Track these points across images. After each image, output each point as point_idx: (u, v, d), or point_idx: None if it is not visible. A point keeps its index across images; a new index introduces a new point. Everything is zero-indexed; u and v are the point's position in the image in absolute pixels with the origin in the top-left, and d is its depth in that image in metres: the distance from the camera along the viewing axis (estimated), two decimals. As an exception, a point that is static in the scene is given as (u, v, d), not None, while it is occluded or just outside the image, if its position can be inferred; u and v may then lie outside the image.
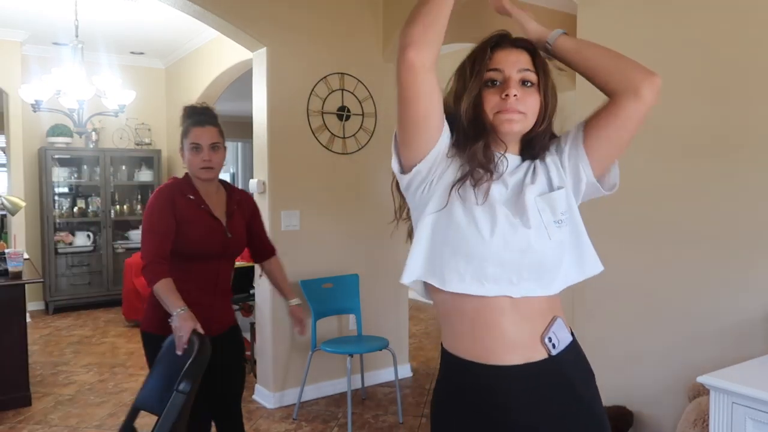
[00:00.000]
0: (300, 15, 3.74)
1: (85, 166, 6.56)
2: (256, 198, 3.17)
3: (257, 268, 3.80)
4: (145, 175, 6.82)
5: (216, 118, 2.24)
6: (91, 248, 6.52)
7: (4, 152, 6.41)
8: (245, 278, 4.12)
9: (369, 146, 4.04)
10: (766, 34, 2.26)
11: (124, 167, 6.76)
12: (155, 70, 7.02)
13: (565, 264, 1.21)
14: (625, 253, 2.65)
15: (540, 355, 1.19)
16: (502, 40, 1.23)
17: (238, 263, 3.57)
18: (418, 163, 1.18)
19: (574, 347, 1.25)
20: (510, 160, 1.24)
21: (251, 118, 3.79)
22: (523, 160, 1.26)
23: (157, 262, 2.06)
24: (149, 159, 6.82)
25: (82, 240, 6.47)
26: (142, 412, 1.86)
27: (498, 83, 1.19)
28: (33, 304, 6.15)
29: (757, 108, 2.29)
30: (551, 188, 1.22)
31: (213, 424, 2.34)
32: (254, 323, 3.98)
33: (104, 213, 6.56)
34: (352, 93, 3.98)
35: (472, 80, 1.19)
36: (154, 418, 1.69)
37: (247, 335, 4.01)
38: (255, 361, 3.96)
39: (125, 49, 6.43)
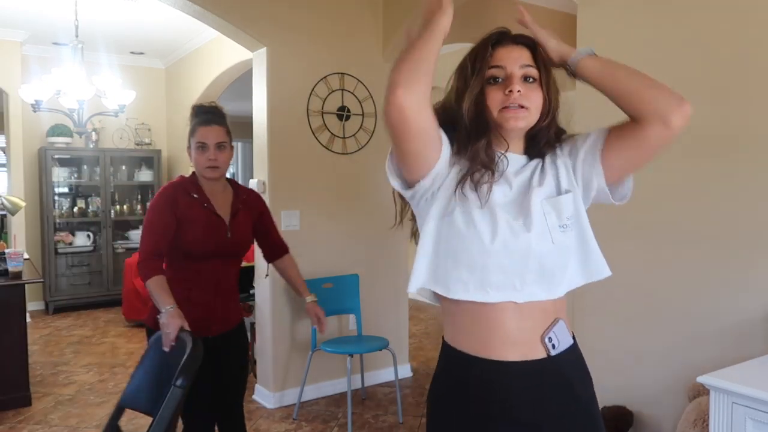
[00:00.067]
0: (300, 15, 3.75)
1: (85, 166, 6.56)
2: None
3: (257, 269, 3.80)
4: (145, 175, 6.82)
5: (224, 117, 2.24)
6: (91, 248, 6.52)
7: (4, 152, 6.41)
8: (245, 278, 4.11)
9: (369, 146, 4.04)
10: (766, 34, 2.26)
11: (124, 167, 6.75)
12: (155, 70, 7.02)
13: (571, 269, 1.21)
14: (625, 253, 2.65)
15: (539, 354, 1.19)
16: (502, 37, 1.22)
17: (238, 263, 3.57)
18: (421, 180, 1.18)
19: (573, 350, 1.25)
20: (514, 160, 1.24)
21: (251, 118, 3.79)
22: (530, 158, 1.26)
23: (152, 259, 2.10)
24: (149, 159, 6.82)
25: (82, 240, 6.47)
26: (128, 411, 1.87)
27: (500, 80, 1.19)
28: (33, 304, 6.15)
29: (757, 108, 2.29)
30: (559, 191, 1.21)
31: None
32: (254, 323, 3.98)
33: (104, 213, 6.56)
34: (352, 93, 3.98)
35: (474, 78, 1.19)
36: (138, 415, 1.69)
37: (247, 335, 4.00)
38: (255, 361, 3.96)
39: (125, 49, 6.43)
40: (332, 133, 3.90)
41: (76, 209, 6.53)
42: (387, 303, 4.17)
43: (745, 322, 2.32)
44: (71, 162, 6.53)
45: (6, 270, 3.74)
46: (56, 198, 6.47)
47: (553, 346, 1.20)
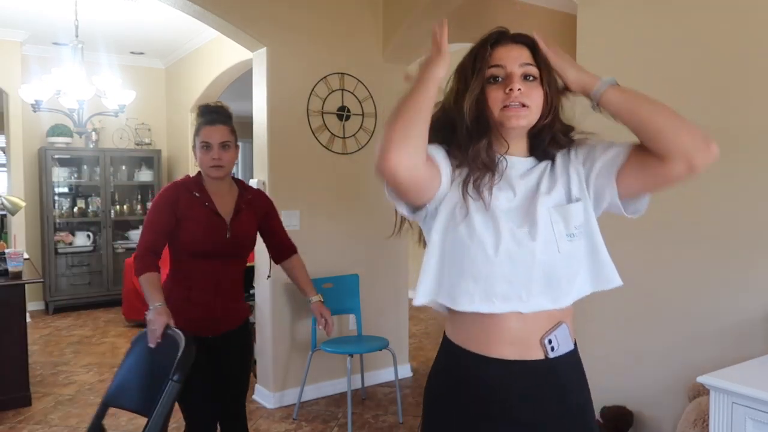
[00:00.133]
0: (300, 15, 3.74)
1: (85, 166, 6.56)
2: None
3: (257, 269, 3.80)
4: (145, 175, 6.82)
5: (229, 117, 2.24)
6: (91, 248, 6.52)
7: (4, 152, 6.41)
8: (245, 278, 4.11)
9: (369, 146, 4.04)
10: (766, 34, 2.26)
11: (124, 167, 6.75)
12: (155, 70, 7.02)
13: (580, 278, 1.20)
14: (625, 253, 2.64)
15: (536, 354, 1.19)
16: (501, 37, 1.22)
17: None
18: (427, 204, 1.19)
19: (573, 356, 1.24)
20: (519, 163, 1.23)
21: (251, 118, 3.79)
22: (538, 160, 1.24)
23: (148, 256, 2.14)
24: (149, 159, 6.82)
25: (82, 240, 6.47)
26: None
27: (500, 79, 1.18)
28: (33, 304, 6.15)
29: (757, 108, 2.29)
30: (569, 199, 1.19)
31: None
32: (254, 323, 3.98)
33: (104, 213, 6.56)
34: (352, 93, 3.98)
35: (474, 78, 1.19)
36: (123, 413, 1.71)
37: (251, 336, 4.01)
38: (255, 361, 3.96)
39: (125, 49, 6.43)
40: (332, 133, 3.90)
41: (76, 209, 6.53)
42: (387, 303, 4.17)
43: (745, 322, 2.32)
44: (71, 162, 6.53)
45: (6, 270, 3.74)
46: (56, 198, 6.47)
47: (552, 349, 1.19)
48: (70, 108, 4.58)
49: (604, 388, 2.72)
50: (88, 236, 6.50)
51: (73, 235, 6.46)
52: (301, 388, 3.63)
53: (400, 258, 4.19)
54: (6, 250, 3.94)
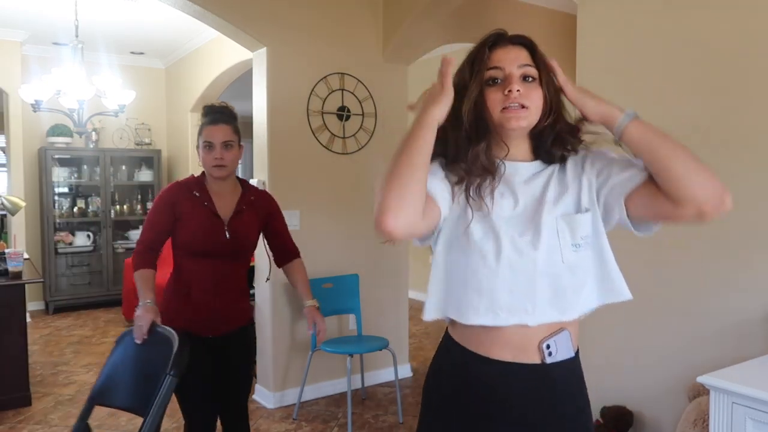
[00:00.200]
0: (300, 15, 3.75)
1: (85, 166, 6.56)
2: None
3: (257, 269, 3.80)
4: (145, 175, 6.81)
5: (232, 117, 2.24)
6: (91, 248, 6.52)
7: (4, 152, 6.41)
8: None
9: (369, 146, 4.04)
10: (766, 34, 2.26)
11: (124, 167, 6.75)
12: (155, 70, 7.02)
13: (586, 290, 1.19)
14: (624, 253, 2.65)
15: (532, 358, 1.18)
16: (499, 39, 1.21)
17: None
18: (434, 229, 1.19)
19: (572, 363, 1.22)
20: (522, 168, 1.22)
21: (251, 118, 3.79)
22: (545, 164, 1.23)
23: (146, 252, 2.19)
24: (149, 159, 6.82)
25: (82, 240, 6.47)
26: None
27: (499, 81, 1.18)
28: (33, 304, 6.15)
29: (757, 107, 2.29)
30: (578, 209, 1.18)
31: (218, 423, 2.34)
32: (254, 323, 3.98)
33: (104, 213, 6.56)
34: (352, 93, 3.97)
35: (473, 81, 1.18)
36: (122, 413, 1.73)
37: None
38: (255, 361, 3.96)
39: (125, 49, 6.43)
40: (332, 133, 3.90)
41: (76, 209, 6.53)
42: (387, 303, 4.17)
43: (745, 322, 2.32)
44: (71, 162, 6.53)
45: (6, 270, 3.74)
46: (56, 198, 6.47)
47: (550, 354, 1.17)
48: (70, 108, 4.58)
49: (604, 388, 2.72)
50: (88, 236, 6.50)
51: (73, 235, 6.46)
52: (301, 388, 3.63)
53: (400, 258, 4.18)
54: (6, 250, 3.94)
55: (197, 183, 2.24)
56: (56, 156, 6.38)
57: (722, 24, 2.39)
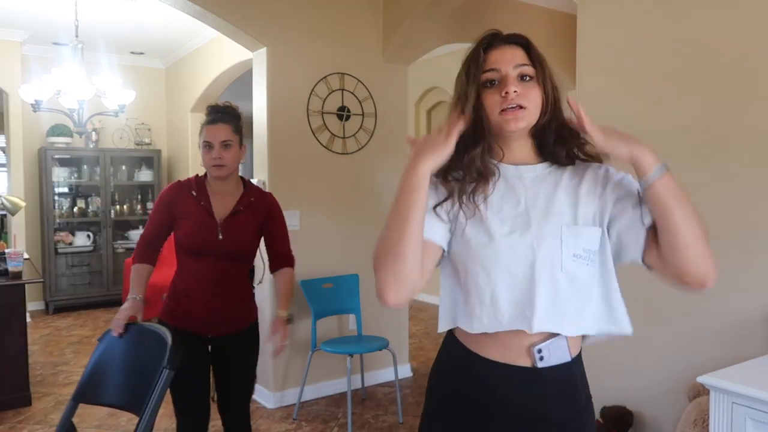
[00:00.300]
0: (300, 15, 3.75)
1: (85, 166, 6.56)
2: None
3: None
4: (145, 175, 6.82)
5: (234, 116, 2.24)
6: (91, 248, 6.52)
7: (4, 152, 6.41)
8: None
9: (369, 146, 4.04)
10: (765, 34, 2.26)
11: (124, 167, 6.75)
12: (155, 70, 7.02)
13: (589, 311, 1.18)
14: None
15: (521, 361, 1.17)
16: (494, 40, 1.20)
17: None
18: (437, 263, 1.22)
19: (566, 368, 1.19)
20: (526, 171, 1.21)
21: (251, 118, 3.79)
22: (553, 164, 1.22)
23: (145, 247, 2.24)
24: (149, 159, 6.82)
25: (82, 240, 6.47)
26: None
27: (496, 82, 1.17)
28: (33, 304, 6.15)
29: (757, 108, 2.29)
30: (585, 222, 1.17)
31: (219, 423, 2.35)
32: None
33: (104, 213, 6.56)
34: (352, 93, 3.98)
35: (469, 84, 1.17)
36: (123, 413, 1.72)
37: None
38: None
39: (125, 49, 6.43)
40: (332, 133, 3.90)
41: (76, 209, 6.53)
42: (387, 303, 4.16)
43: (745, 322, 2.32)
44: (71, 162, 6.53)
45: (6, 270, 3.74)
46: (56, 198, 6.47)
47: (541, 358, 1.16)
48: (70, 108, 4.58)
49: (604, 388, 2.72)
50: (88, 236, 6.50)
51: (73, 235, 6.47)
52: (301, 388, 3.63)
53: (400, 258, 4.18)
54: (6, 250, 3.94)
55: (197, 183, 2.24)
56: (56, 156, 6.38)
57: (722, 24, 2.39)
